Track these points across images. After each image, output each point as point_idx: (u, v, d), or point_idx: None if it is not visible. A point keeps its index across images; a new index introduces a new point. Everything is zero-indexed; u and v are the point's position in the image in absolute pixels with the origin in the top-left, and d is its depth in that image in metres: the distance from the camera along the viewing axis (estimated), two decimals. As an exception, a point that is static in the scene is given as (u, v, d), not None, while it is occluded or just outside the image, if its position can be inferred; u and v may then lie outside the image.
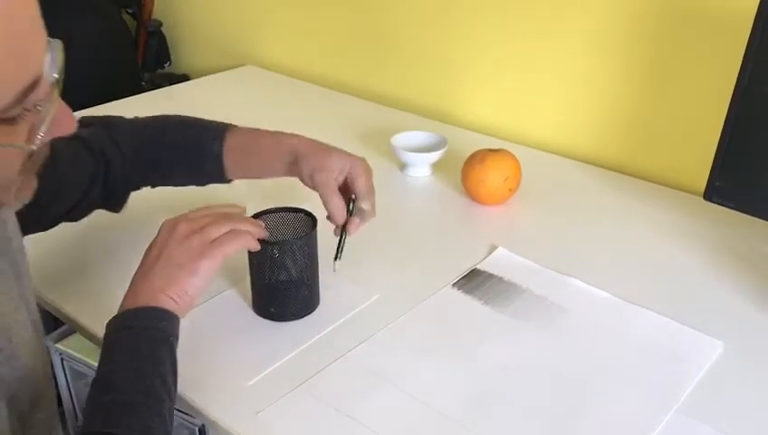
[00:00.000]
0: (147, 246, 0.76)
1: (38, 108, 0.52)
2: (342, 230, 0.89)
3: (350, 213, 0.89)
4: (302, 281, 0.85)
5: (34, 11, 0.50)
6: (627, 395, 0.76)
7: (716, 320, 0.88)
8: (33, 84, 0.50)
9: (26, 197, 0.57)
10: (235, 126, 0.94)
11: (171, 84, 1.74)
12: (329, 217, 0.88)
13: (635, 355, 0.82)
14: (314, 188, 0.88)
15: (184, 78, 1.94)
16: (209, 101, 1.59)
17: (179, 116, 0.96)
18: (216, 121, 0.95)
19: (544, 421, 0.73)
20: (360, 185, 0.89)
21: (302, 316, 0.87)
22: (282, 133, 0.93)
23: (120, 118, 0.95)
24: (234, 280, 0.93)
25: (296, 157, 0.89)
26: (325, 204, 0.87)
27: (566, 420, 0.73)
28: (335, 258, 0.88)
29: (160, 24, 1.94)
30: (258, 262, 0.83)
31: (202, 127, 0.94)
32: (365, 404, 0.74)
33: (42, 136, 0.53)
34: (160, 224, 0.77)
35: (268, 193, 1.08)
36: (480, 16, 1.36)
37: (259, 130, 0.94)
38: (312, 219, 0.86)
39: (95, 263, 0.98)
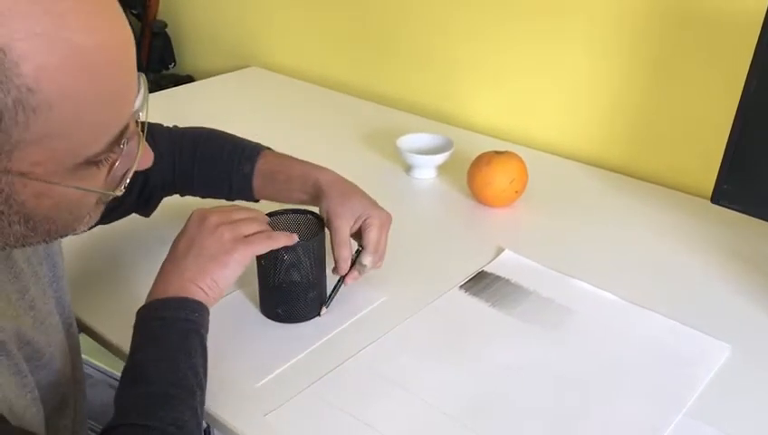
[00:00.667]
0: (173, 239, 0.76)
1: (122, 147, 0.53)
2: (340, 279, 0.88)
3: (353, 262, 0.88)
4: (309, 283, 0.85)
5: (132, 56, 0.51)
6: (634, 398, 0.76)
7: (723, 323, 0.88)
8: (126, 128, 0.51)
9: (93, 220, 0.58)
10: (269, 150, 0.95)
11: (176, 85, 1.74)
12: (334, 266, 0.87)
13: (642, 358, 0.82)
14: (328, 228, 0.86)
15: (188, 79, 1.94)
16: (214, 102, 1.59)
17: (215, 131, 0.97)
18: (250, 142, 0.95)
19: (550, 424, 0.73)
20: (369, 238, 0.87)
21: (310, 318, 0.87)
22: (311, 165, 0.93)
23: (159, 125, 0.95)
24: (241, 282, 0.92)
25: (319, 193, 0.89)
26: (333, 250, 0.86)
27: (572, 423, 0.73)
28: (325, 304, 0.87)
29: (165, 25, 1.94)
30: (266, 264, 0.83)
31: (236, 145, 0.94)
32: (373, 407, 0.74)
33: (129, 180, 0.55)
34: (185, 217, 0.77)
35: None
36: (484, 18, 1.36)
37: (291, 158, 0.94)
38: (320, 222, 0.86)
39: (99, 263, 0.98)
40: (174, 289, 0.71)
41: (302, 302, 0.86)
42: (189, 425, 0.64)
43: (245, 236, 0.75)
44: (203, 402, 0.68)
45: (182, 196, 0.97)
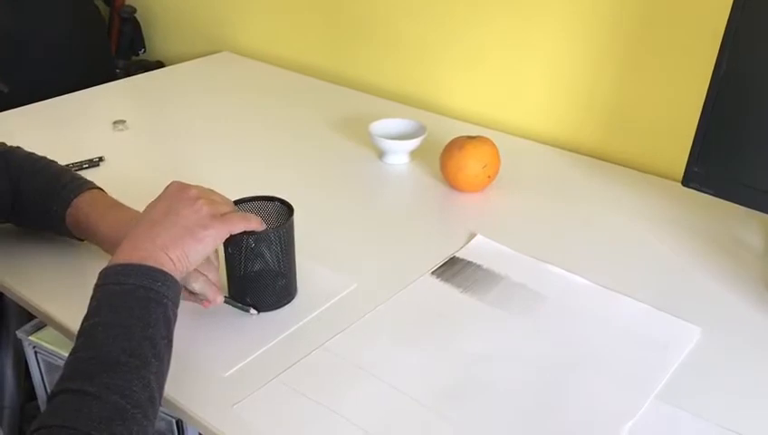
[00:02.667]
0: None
1: None
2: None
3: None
4: (278, 271, 0.84)
5: None
6: (605, 382, 0.76)
7: (694, 306, 0.88)
8: None
9: None
10: (93, 191, 0.90)
11: (146, 71, 1.72)
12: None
13: (613, 342, 0.82)
14: None
15: (159, 65, 1.92)
16: (185, 88, 1.56)
17: (49, 165, 0.94)
18: (77, 181, 0.90)
19: (523, 409, 0.73)
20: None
21: (280, 306, 0.85)
22: (122, 223, 0.85)
23: (19, 149, 0.94)
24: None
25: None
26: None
27: (545, 408, 0.73)
28: (246, 310, 0.84)
29: (134, 11, 1.91)
30: (234, 252, 0.81)
31: (58, 185, 0.89)
32: (343, 395, 0.74)
33: None
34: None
35: (246, 182, 1.06)
36: (459, 4, 1.35)
37: (105, 209, 0.88)
38: (288, 208, 0.85)
39: (65, 255, 0.96)
40: (142, 254, 0.68)
41: (270, 290, 0.84)
42: (137, 396, 0.60)
43: (222, 215, 0.74)
44: (161, 375, 0.65)
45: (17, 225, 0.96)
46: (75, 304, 0.86)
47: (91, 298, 0.67)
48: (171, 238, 0.70)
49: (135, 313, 0.65)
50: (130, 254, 0.68)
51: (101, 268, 0.69)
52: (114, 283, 0.67)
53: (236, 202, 0.83)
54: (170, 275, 0.68)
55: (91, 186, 0.91)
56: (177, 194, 0.74)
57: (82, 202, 0.89)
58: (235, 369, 0.76)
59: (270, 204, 0.86)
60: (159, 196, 0.75)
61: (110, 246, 0.85)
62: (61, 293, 0.89)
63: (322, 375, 0.76)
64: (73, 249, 0.96)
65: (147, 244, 0.69)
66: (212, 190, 0.78)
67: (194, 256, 0.71)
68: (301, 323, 0.83)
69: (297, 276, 0.87)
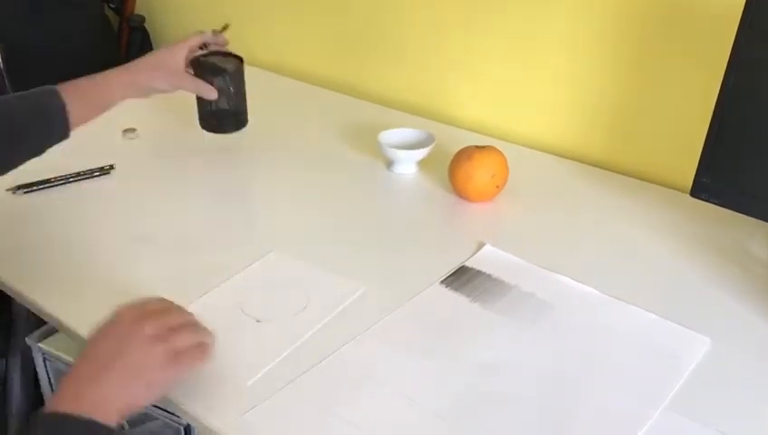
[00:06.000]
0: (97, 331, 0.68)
1: None
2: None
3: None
4: (235, 108, 1.22)
5: None
6: (615, 393, 0.76)
7: (703, 316, 0.88)
8: None
9: None
10: (66, 82, 0.99)
11: (154, 80, 1.72)
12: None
13: (622, 352, 0.82)
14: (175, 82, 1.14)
15: (167, 72, 1.92)
16: (192, 97, 1.57)
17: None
18: (40, 88, 0.97)
19: (532, 419, 0.73)
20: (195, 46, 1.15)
21: (237, 130, 1.26)
22: (103, 82, 1.04)
23: None
24: (218, 281, 0.92)
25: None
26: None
27: (553, 418, 0.73)
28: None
29: (143, 20, 1.92)
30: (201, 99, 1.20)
31: (25, 95, 0.96)
32: (353, 404, 0.74)
33: None
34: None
35: (254, 190, 1.06)
36: (467, 13, 1.35)
37: (100, 74, 1.04)
38: (239, 60, 1.22)
39: (77, 261, 0.96)
40: (85, 407, 0.60)
41: (230, 119, 1.26)
42: None
43: (176, 354, 0.68)
44: None
45: None
46: (86, 308, 0.87)
47: None
48: (119, 389, 0.63)
49: None
50: (74, 402, 0.61)
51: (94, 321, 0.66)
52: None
53: (198, 57, 1.16)
54: (112, 429, 0.62)
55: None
56: (130, 329, 0.67)
57: (64, 88, 0.97)
58: (246, 377, 0.77)
59: (225, 57, 1.21)
60: (108, 328, 0.68)
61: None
62: (71, 297, 0.89)
63: (332, 384, 0.76)
64: (84, 253, 0.96)
65: (92, 392, 0.62)
66: (166, 307, 0.72)
67: (141, 402, 0.66)
68: (311, 332, 0.84)
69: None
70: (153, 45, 1.96)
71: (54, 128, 0.95)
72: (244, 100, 1.28)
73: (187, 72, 1.13)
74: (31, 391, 1.32)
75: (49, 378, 1.12)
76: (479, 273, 0.95)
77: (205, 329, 0.73)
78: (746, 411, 0.74)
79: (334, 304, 0.88)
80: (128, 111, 1.12)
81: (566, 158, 1.30)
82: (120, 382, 0.64)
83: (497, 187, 1.10)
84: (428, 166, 1.23)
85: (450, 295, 0.91)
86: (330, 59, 1.63)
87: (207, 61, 1.21)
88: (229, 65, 1.23)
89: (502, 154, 1.11)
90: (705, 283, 0.95)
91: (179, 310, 0.74)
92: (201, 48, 1.15)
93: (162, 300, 0.74)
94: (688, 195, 0.97)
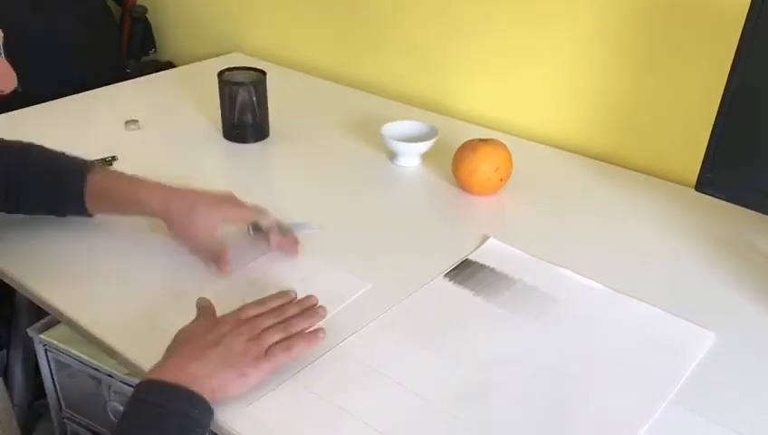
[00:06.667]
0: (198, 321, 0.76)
1: None
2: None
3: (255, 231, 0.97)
4: (257, 121, 1.25)
5: None
6: (619, 387, 0.76)
7: (708, 311, 0.88)
8: None
9: None
10: (97, 166, 0.96)
11: (156, 72, 1.71)
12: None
13: (627, 347, 0.82)
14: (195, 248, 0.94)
15: (169, 65, 1.91)
16: (195, 89, 1.56)
17: (41, 147, 0.97)
18: (78, 159, 0.96)
19: (536, 413, 0.73)
20: (240, 220, 0.96)
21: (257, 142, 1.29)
22: (138, 187, 0.93)
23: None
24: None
25: (156, 216, 0.93)
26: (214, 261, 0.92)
27: (557, 413, 0.73)
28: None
29: (145, 10, 1.91)
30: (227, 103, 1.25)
31: (65, 160, 0.95)
32: (356, 396, 0.74)
33: None
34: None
35: (255, 182, 1.06)
36: (471, 5, 1.35)
37: (119, 176, 0.96)
38: (262, 72, 1.26)
39: (79, 253, 0.96)
40: (187, 378, 0.68)
41: (253, 131, 1.28)
42: None
43: (268, 348, 0.74)
44: None
45: (8, 213, 0.97)
46: (86, 298, 0.87)
47: (127, 409, 0.67)
48: (216, 371, 0.70)
49: None
50: (176, 374, 0.68)
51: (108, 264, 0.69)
52: (155, 403, 0.67)
53: (224, 71, 1.25)
54: (208, 405, 0.69)
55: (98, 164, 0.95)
56: (232, 327, 0.75)
57: (100, 175, 0.94)
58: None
59: (249, 72, 1.26)
60: (208, 325, 0.75)
61: (158, 207, 0.92)
62: (73, 288, 0.89)
63: (336, 376, 0.76)
64: (85, 244, 0.96)
65: (194, 368, 0.69)
66: (259, 308, 0.79)
67: (234, 391, 0.71)
68: (315, 325, 0.83)
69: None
70: (155, 36, 1.95)
71: (73, 207, 0.96)
72: (267, 112, 1.29)
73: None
74: (32, 381, 1.32)
75: (50, 368, 1.11)
76: (483, 266, 0.95)
77: (302, 317, 0.79)
78: (752, 406, 0.74)
79: (338, 299, 0.87)
80: (129, 101, 1.12)
81: (570, 151, 1.30)
82: (218, 364, 0.71)
83: (501, 180, 1.10)
84: (432, 159, 1.22)
85: (454, 289, 0.90)
86: (333, 50, 1.62)
87: (232, 75, 1.26)
88: (252, 78, 1.25)
89: (506, 147, 1.10)
90: (710, 277, 0.95)
91: (274, 312, 0.79)
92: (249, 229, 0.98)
93: (257, 306, 0.79)
94: (693, 189, 0.97)
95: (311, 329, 0.78)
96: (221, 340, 0.73)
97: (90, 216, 0.96)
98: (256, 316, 0.78)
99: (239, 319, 0.76)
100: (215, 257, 0.91)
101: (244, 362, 0.72)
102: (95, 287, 0.90)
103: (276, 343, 0.75)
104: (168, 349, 0.73)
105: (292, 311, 0.80)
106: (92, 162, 0.95)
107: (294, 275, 0.91)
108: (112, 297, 0.88)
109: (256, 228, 0.95)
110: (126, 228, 1.00)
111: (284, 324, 0.77)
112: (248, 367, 0.72)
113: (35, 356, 1.12)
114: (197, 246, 0.92)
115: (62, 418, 1.17)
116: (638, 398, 0.75)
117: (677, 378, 0.77)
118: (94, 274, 0.92)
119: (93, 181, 0.93)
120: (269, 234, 0.94)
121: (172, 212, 0.91)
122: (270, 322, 0.77)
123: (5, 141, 0.97)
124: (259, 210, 0.95)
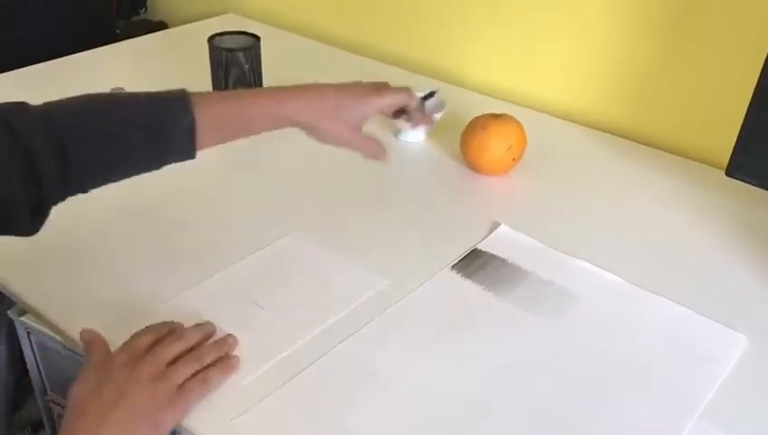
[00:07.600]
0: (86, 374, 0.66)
1: None
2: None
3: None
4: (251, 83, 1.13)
5: None
6: (642, 398, 0.69)
7: (739, 311, 0.81)
8: None
9: None
10: (200, 93, 0.75)
11: (148, 32, 1.64)
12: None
13: (650, 352, 0.75)
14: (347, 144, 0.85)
15: (161, 26, 1.83)
16: (188, 51, 1.48)
17: (101, 94, 0.76)
18: (171, 91, 0.74)
19: (550, 424, 0.66)
20: (392, 108, 0.88)
21: None
22: (273, 97, 0.80)
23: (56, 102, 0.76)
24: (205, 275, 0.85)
25: (298, 127, 0.82)
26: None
27: (574, 423, 0.66)
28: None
29: (135, -33, 1.83)
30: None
31: (161, 98, 0.74)
32: (351, 409, 0.67)
33: None
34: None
35: (249, 157, 0.99)
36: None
37: (240, 95, 0.82)
38: (256, 38, 1.17)
39: (58, 235, 0.89)
40: None
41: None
42: None
43: (180, 385, 0.66)
44: None
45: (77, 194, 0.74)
46: (57, 296, 0.81)
47: None
48: (129, 426, 0.62)
49: None
50: None
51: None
52: None
53: (216, 35, 1.16)
54: None
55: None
56: (129, 373, 0.65)
57: (205, 104, 0.74)
58: (233, 381, 0.70)
59: (241, 37, 1.18)
60: (104, 372, 0.66)
61: (306, 119, 0.82)
62: (37, 277, 0.84)
63: (329, 386, 0.69)
64: (70, 226, 0.90)
65: (103, 432, 0.61)
66: (154, 333, 0.70)
67: None
68: (309, 330, 0.76)
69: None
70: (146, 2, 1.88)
71: (178, 146, 0.74)
72: (261, 80, 1.21)
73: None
74: (17, 363, 1.28)
75: (33, 351, 1.08)
76: (493, 257, 0.87)
77: (212, 345, 0.71)
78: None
79: (353, 297, 0.80)
80: (116, 66, 1.04)
81: (587, 126, 1.21)
82: (128, 424, 0.62)
83: (513, 159, 1.02)
84: (439, 134, 1.14)
85: (462, 283, 0.83)
86: (334, 11, 1.54)
87: (223, 39, 1.18)
88: (246, 44, 1.18)
89: (519, 124, 1.02)
90: (741, 272, 0.88)
91: (174, 336, 0.70)
92: (396, 114, 0.90)
93: (151, 331, 0.70)
94: (723, 173, 0.89)
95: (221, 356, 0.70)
96: (121, 393, 0.63)
97: (192, 158, 0.76)
98: (152, 344, 0.68)
99: (133, 355, 0.67)
100: (371, 148, 0.86)
101: (155, 409, 0.64)
102: (64, 279, 0.84)
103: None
104: (66, 418, 0.63)
105: (195, 336, 0.71)
106: (182, 92, 0.74)
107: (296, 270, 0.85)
108: (87, 287, 0.82)
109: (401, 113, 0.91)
110: (117, 212, 0.93)
111: (195, 354, 0.69)
112: (160, 412, 0.64)
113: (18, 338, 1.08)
114: (349, 144, 0.85)
115: (47, 401, 1.13)
116: (664, 412, 0.68)
117: (707, 390, 0.70)
118: (63, 265, 0.86)
119: (203, 112, 0.73)
120: (412, 114, 0.91)
121: (318, 124, 0.82)
122: (173, 350, 0.68)
123: (50, 104, 0.76)
124: (407, 91, 0.88)
